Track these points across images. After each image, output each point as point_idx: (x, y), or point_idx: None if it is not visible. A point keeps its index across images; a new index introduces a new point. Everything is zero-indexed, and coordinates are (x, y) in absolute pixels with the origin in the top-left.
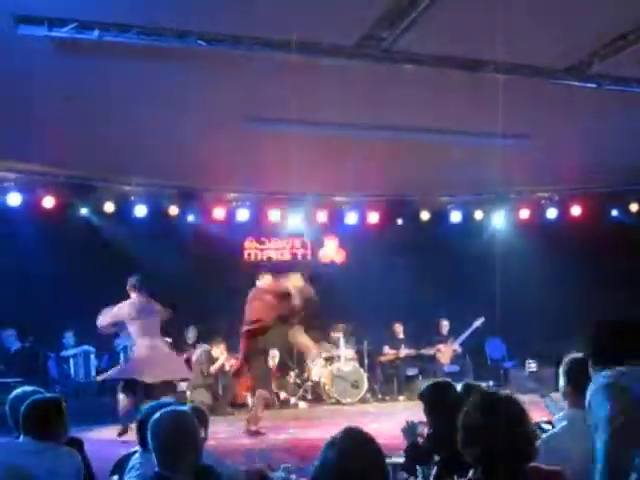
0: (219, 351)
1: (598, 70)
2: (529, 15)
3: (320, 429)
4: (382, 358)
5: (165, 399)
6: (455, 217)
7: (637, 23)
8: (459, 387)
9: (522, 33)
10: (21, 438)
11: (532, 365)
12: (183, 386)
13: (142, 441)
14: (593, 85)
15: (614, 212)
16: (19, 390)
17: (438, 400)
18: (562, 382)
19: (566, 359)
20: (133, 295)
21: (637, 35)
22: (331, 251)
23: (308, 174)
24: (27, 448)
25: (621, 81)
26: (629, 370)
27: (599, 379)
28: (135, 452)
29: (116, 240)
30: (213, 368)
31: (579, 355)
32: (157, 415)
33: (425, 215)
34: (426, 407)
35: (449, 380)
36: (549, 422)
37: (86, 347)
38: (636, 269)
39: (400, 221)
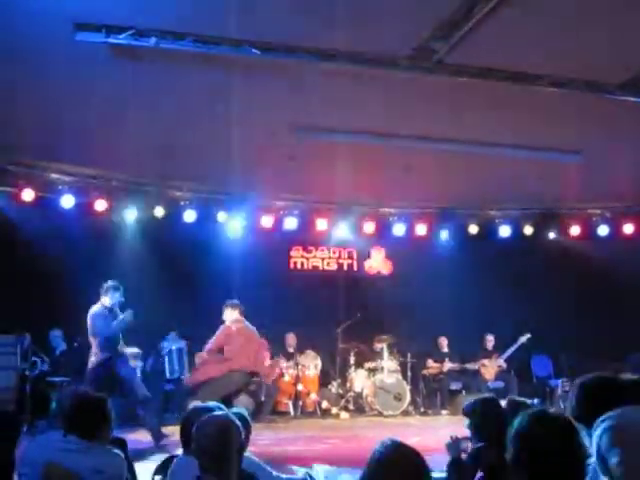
0: None
1: None
2: (583, 29)
3: (361, 440)
4: (425, 371)
5: (210, 403)
6: (504, 232)
7: None
8: (503, 403)
9: (576, 47)
10: (66, 436)
11: (566, 384)
12: None
13: (185, 444)
14: None
15: None
16: (67, 389)
17: (483, 416)
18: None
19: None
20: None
21: None
22: (378, 262)
23: (356, 184)
24: (72, 446)
25: None
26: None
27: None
28: (178, 455)
29: (167, 244)
30: None
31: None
32: (202, 419)
33: (473, 229)
34: (470, 422)
35: (494, 396)
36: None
37: (132, 349)
38: None
39: (447, 234)
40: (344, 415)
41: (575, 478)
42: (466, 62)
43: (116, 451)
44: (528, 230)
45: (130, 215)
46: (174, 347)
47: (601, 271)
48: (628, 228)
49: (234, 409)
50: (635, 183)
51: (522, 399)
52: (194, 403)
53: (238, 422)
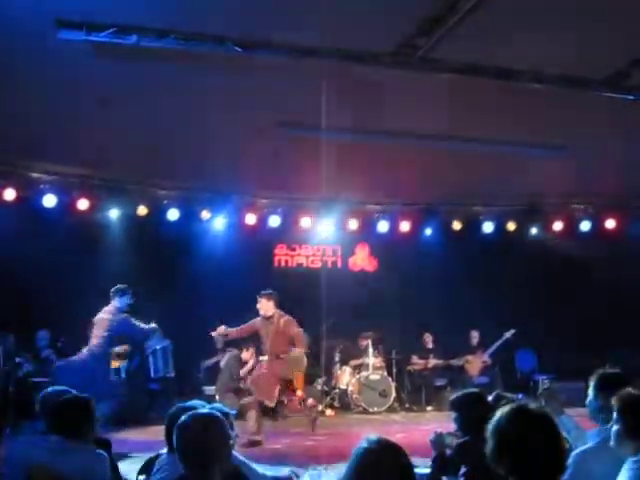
0: (248, 355)
1: (636, 82)
2: (567, 26)
3: (346, 437)
4: (411, 368)
5: (195, 401)
6: (487, 228)
7: None
8: (489, 398)
9: (560, 43)
10: (51, 437)
11: (546, 382)
12: (211, 390)
13: (170, 443)
14: (631, 97)
15: None
16: (50, 389)
17: (468, 410)
18: (591, 397)
19: (597, 374)
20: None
21: None
22: (362, 259)
23: (340, 181)
24: (56, 447)
25: None
26: None
27: None
28: (162, 453)
29: (149, 243)
30: (242, 372)
31: (612, 370)
32: (185, 417)
33: (457, 225)
34: (455, 417)
35: (480, 391)
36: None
37: (117, 348)
38: None
39: (431, 230)
40: (329, 412)
41: (555, 472)
42: (449, 58)
43: (100, 452)
44: (511, 226)
45: (113, 214)
46: (159, 346)
47: (584, 267)
48: (610, 223)
49: (215, 405)
50: (618, 178)
51: (508, 394)
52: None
53: (222, 417)
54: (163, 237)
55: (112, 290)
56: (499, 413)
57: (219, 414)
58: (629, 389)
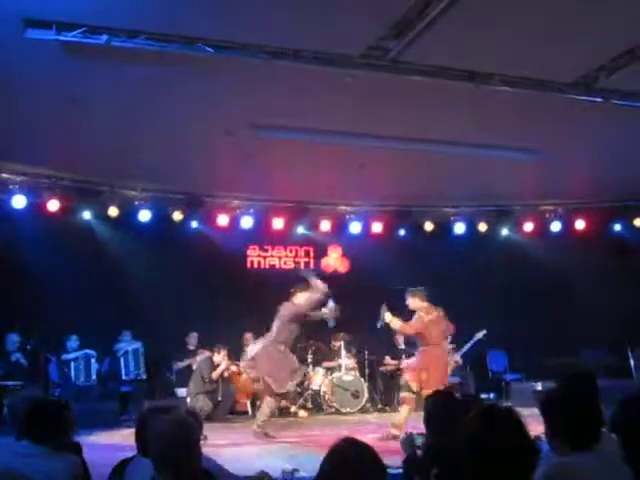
0: (220, 357)
1: (605, 84)
2: (536, 28)
3: (319, 438)
4: (383, 368)
5: (164, 403)
6: (459, 229)
7: None
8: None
9: (529, 46)
10: (21, 441)
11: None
12: (183, 392)
13: (140, 446)
14: (600, 99)
15: (617, 227)
16: (20, 393)
17: (438, 411)
18: None
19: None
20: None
21: None
22: (334, 260)
23: (313, 183)
24: (26, 451)
25: (628, 96)
26: None
27: None
28: (133, 457)
29: (120, 245)
30: (215, 374)
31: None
32: (156, 420)
33: (429, 226)
34: (426, 417)
35: (451, 391)
36: None
37: (87, 351)
38: None
39: (403, 231)
40: (302, 413)
41: (524, 472)
42: (420, 61)
43: (71, 456)
44: (482, 227)
45: (83, 215)
46: (130, 348)
47: (554, 267)
48: (580, 224)
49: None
50: (588, 180)
51: (477, 395)
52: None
53: (191, 419)
54: (134, 239)
55: None
56: (470, 416)
57: (189, 417)
58: (553, 388)
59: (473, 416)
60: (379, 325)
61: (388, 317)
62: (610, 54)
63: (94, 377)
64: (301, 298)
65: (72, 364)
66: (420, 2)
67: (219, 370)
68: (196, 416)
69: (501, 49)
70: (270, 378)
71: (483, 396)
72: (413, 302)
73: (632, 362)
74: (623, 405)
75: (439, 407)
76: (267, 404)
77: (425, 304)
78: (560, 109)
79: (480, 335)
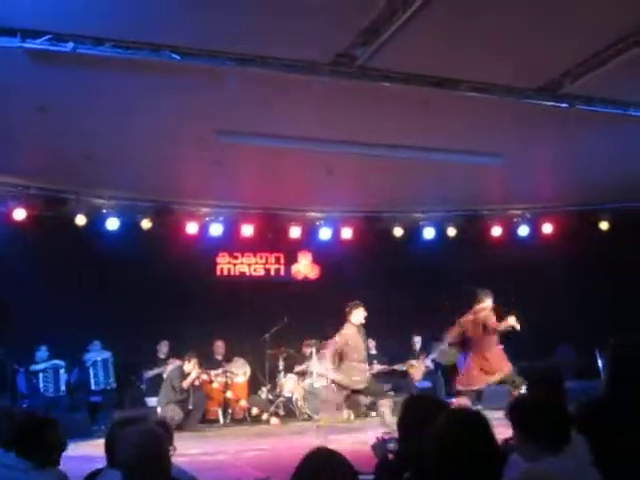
0: (191, 366)
1: (569, 90)
2: (502, 35)
3: (292, 446)
4: None
5: (133, 413)
6: (428, 234)
7: (607, 44)
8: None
9: (495, 52)
10: (8, 453)
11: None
12: (154, 402)
13: (110, 457)
14: (565, 105)
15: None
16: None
17: (408, 415)
18: None
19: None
20: None
21: (607, 55)
22: (305, 267)
23: (282, 189)
24: (12, 464)
25: (592, 101)
26: None
27: None
28: (103, 469)
29: (88, 253)
30: (185, 383)
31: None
32: (125, 431)
33: (398, 231)
34: (399, 421)
35: (425, 394)
36: None
37: (56, 361)
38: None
39: (372, 237)
40: (274, 421)
41: (492, 475)
42: (387, 68)
43: (56, 470)
44: (451, 232)
45: (50, 224)
46: (99, 358)
47: (523, 270)
48: (547, 228)
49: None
50: (554, 184)
51: (445, 399)
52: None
53: (161, 430)
54: (102, 247)
55: None
56: (439, 419)
57: (159, 427)
58: (521, 393)
59: (442, 419)
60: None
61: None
62: (574, 60)
63: (63, 388)
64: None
65: (41, 375)
66: (387, 9)
67: (190, 379)
68: (166, 426)
69: (468, 56)
70: None
71: (454, 400)
72: (489, 302)
73: (600, 363)
74: (585, 405)
75: (412, 411)
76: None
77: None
78: (526, 114)
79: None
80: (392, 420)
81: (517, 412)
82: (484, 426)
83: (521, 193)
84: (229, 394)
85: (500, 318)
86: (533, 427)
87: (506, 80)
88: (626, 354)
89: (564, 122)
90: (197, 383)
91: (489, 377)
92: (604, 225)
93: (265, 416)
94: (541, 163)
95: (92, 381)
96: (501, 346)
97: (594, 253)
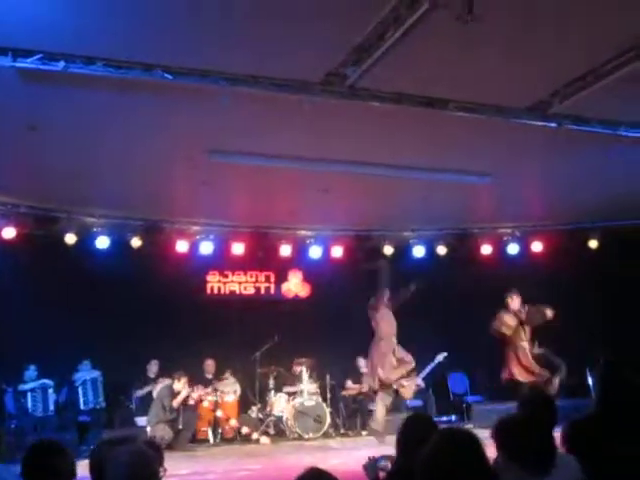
0: (181, 385)
1: (558, 110)
2: (491, 55)
3: (282, 466)
4: (345, 392)
5: (121, 434)
6: (418, 252)
7: (595, 65)
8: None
9: (484, 73)
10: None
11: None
12: (143, 421)
13: (96, 478)
14: (553, 124)
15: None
16: None
17: (408, 432)
18: None
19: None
20: None
21: (595, 76)
22: (295, 285)
23: (272, 207)
24: None
25: (580, 121)
26: None
27: None
28: None
29: (78, 272)
30: (175, 402)
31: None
32: (114, 452)
33: (388, 250)
34: (397, 438)
35: (422, 414)
36: None
37: (45, 381)
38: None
39: (363, 256)
40: (264, 440)
41: None
42: (378, 87)
43: None
44: (441, 250)
45: (41, 242)
46: (88, 377)
47: (512, 287)
48: (537, 246)
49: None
50: (543, 203)
51: (428, 416)
52: None
53: (150, 450)
54: (92, 265)
55: None
56: (431, 439)
57: (148, 448)
58: (509, 414)
59: (433, 438)
60: None
61: None
62: (563, 80)
63: (52, 407)
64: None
65: (29, 395)
66: (377, 30)
67: (180, 398)
68: (156, 446)
69: (457, 76)
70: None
71: (444, 418)
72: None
73: (590, 381)
74: (576, 424)
75: (410, 428)
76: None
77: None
78: (515, 133)
79: (441, 357)
80: (382, 417)
81: (501, 433)
82: (475, 446)
83: (511, 212)
84: (219, 413)
85: None
86: (517, 448)
87: (495, 100)
88: (616, 373)
89: (553, 141)
90: (187, 402)
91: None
92: (593, 243)
93: (255, 435)
94: (530, 182)
95: (81, 400)
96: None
97: (583, 271)
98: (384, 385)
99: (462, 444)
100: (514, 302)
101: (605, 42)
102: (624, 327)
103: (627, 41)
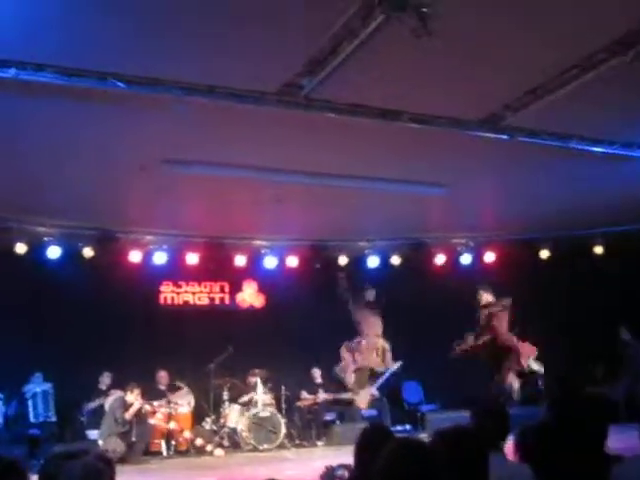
0: (133, 397)
1: (510, 123)
2: (444, 68)
3: (237, 477)
4: (300, 403)
5: (72, 448)
6: (373, 262)
7: (546, 78)
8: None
9: (437, 85)
10: None
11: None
12: (95, 434)
13: None
14: (505, 137)
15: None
16: None
17: (359, 444)
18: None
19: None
20: None
21: (546, 89)
22: (250, 296)
23: (227, 217)
24: None
25: (532, 133)
26: None
27: None
28: None
29: (29, 282)
30: (128, 415)
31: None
32: (65, 467)
33: (343, 260)
34: (354, 448)
35: (379, 424)
36: None
37: None
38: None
39: (318, 266)
40: (219, 452)
41: None
42: (333, 98)
43: None
44: (396, 260)
45: None
46: (39, 390)
47: (464, 298)
48: (489, 256)
49: (95, 451)
50: (495, 214)
51: (385, 426)
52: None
53: (101, 464)
54: (43, 275)
55: None
56: (385, 449)
57: (100, 462)
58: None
59: (387, 448)
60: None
61: None
62: (515, 93)
63: (1, 420)
64: None
65: None
66: (332, 42)
67: (132, 410)
68: (107, 460)
69: (411, 88)
70: None
71: (399, 428)
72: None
73: (542, 388)
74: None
75: (367, 438)
76: None
77: None
78: (469, 145)
79: (395, 367)
80: None
81: (453, 443)
82: (429, 456)
83: (465, 222)
84: (172, 425)
85: None
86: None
87: (449, 112)
88: (567, 385)
89: (506, 153)
90: (140, 414)
91: None
92: (544, 254)
93: (209, 447)
94: (484, 193)
95: (31, 413)
96: None
97: (534, 281)
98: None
99: (416, 454)
100: (483, 298)
101: (555, 56)
102: (574, 336)
103: (573, 57)
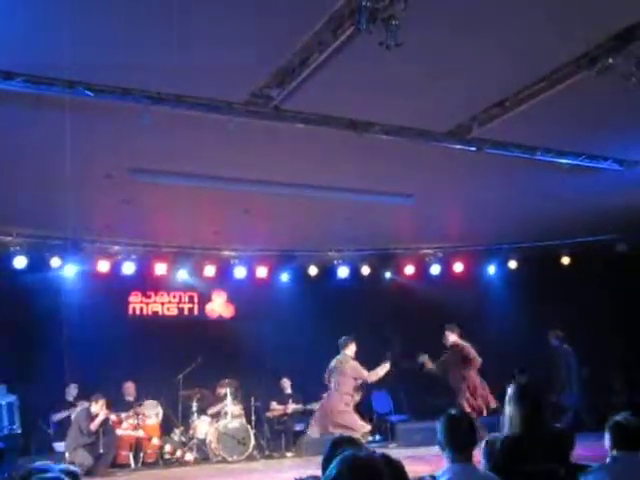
0: (98, 407)
1: (478, 134)
2: (412, 80)
3: None
4: (270, 414)
5: (40, 463)
6: (342, 272)
7: (513, 90)
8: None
9: (405, 97)
10: None
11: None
12: (62, 447)
13: None
14: (473, 148)
15: (492, 269)
16: None
17: (328, 455)
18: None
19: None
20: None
21: (514, 102)
22: (219, 306)
23: (196, 227)
24: None
25: (499, 145)
26: None
27: None
28: None
29: None
30: (93, 425)
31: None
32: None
33: (313, 270)
34: (322, 461)
35: (348, 436)
36: (433, 477)
37: None
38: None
39: (287, 276)
40: (189, 457)
41: None
42: (302, 109)
43: None
44: (365, 270)
45: None
46: (4, 402)
47: (434, 308)
48: (458, 267)
49: (62, 466)
50: (463, 224)
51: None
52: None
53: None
54: (9, 286)
55: None
56: (332, 464)
57: (66, 477)
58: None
59: (336, 463)
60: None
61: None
62: (482, 105)
63: None
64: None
65: None
66: (302, 52)
67: (97, 421)
68: (74, 475)
69: (380, 99)
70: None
71: (369, 438)
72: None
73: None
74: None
75: (335, 450)
76: None
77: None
78: (437, 156)
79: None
80: None
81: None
82: (376, 472)
83: (433, 233)
84: (140, 432)
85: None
86: None
87: (417, 123)
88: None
89: (474, 165)
90: (107, 425)
91: None
92: (512, 264)
93: (179, 453)
94: (452, 203)
95: None
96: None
97: (502, 291)
98: None
99: (362, 471)
100: (449, 338)
101: (521, 69)
102: (541, 346)
103: (540, 71)
